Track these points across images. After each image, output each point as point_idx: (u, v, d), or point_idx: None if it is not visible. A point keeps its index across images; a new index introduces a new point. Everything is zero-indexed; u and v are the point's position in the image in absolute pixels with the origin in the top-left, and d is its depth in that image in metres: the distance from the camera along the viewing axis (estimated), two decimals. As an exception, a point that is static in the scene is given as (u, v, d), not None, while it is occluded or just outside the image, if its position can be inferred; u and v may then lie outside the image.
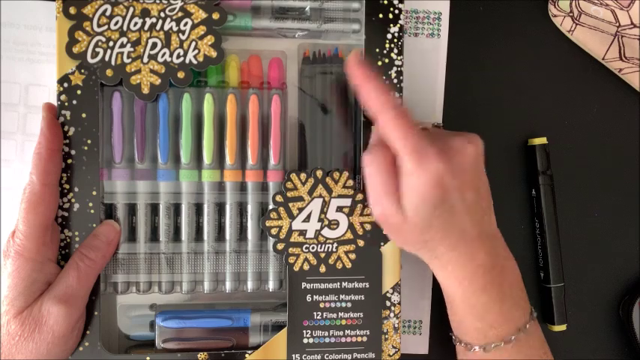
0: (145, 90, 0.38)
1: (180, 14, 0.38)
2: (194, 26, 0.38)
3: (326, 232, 0.39)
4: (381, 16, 0.40)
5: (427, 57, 0.44)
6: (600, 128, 0.47)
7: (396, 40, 0.40)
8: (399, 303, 0.40)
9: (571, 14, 0.44)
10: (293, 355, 0.39)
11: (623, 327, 0.47)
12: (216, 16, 0.38)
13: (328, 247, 0.39)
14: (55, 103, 0.38)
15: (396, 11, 0.40)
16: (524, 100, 0.47)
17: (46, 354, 0.35)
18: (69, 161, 0.37)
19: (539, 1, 0.46)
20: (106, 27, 0.37)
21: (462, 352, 0.39)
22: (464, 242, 0.36)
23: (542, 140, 0.46)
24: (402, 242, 0.38)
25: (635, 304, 0.47)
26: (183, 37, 0.38)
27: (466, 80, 0.45)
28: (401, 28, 0.40)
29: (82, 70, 0.37)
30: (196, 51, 0.38)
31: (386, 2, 0.39)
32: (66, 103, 0.37)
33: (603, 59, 0.46)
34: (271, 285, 0.41)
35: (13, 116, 0.42)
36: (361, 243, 0.40)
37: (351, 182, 0.39)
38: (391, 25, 0.40)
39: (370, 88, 0.36)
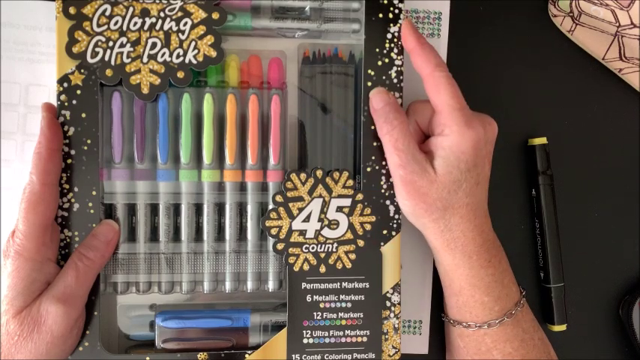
0: (145, 90, 0.38)
1: (179, 14, 0.38)
2: (194, 26, 0.38)
3: (326, 232, 0.39)
4: (381, 15, 0.40)
5: None
6: (600, 128, 0.47)
7: (396, 40, 0.40)
8: (399, 303, 0.40)
9: (571, 14, 0.44)
10: (293, 356, 0.39)
11: (623, 327, 0.47)
12: (215, 15, 0.38)
13: (328, 247, 0.39)
14: (54, 103, 0.38)
15: (396, 11, 0.40)
16: (524, 100, 0.46)
17: (45, 354, 0.35)
18: (69, 161, 0.37)
19: (539, 1, 0.46)
20: (105, 27, 0.37)
21: (460, 334, 0.40)
22: (479, 213, 0.38)
23: (542, 140, 0.46)
24: (423, 208, 0.37)
25: (635, 304, 0.47)
26: (182, 37, 0.38)
27: (466, 80, 0.45)
28: (401, 28, 0.40)
29: (82, 70, 0.37)
30: (196, 51, 0.38)
31: (386, 2, 0.39)
32: (66, 103, 0.37)
33: (603, 59, 0.46)
34: (271, 285, 0.41)
35: (13, 116, 0.42)
36: (361, 243, 0.40)
37: (351, 182, 0.39)
38: (391, 24, 0.40)
39: (424, 50, 0.38)
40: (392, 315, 0.40)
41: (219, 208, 0.40)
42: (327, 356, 0.40)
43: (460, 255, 0.38)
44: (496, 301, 0.39)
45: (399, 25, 0.40)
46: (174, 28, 0.38)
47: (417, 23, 0.44)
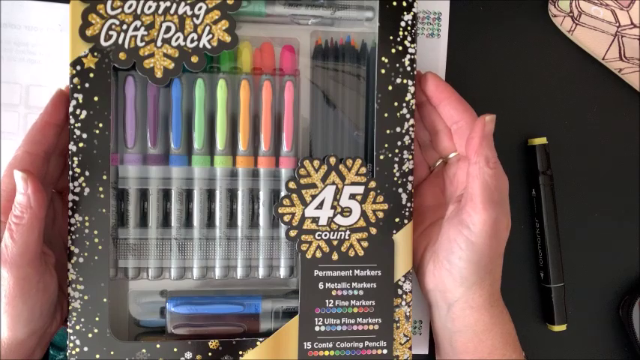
0: (159, 74, 0.37)
1: (194, -2, 0.37)
2: (208, 10, 0.38)
3: (339, 219, 0.39)
4: (394, 3, 0.40)
5: (427, 57, 0.44)
6: (600, 128, 0.48)
7: (409, 28, 0.40)
8: (411, 291, 0.40)
9: (571, 14, 0.44)
10: (304, 343, 0.39)
11: (623, 327, 0.48)
12: (230, 1, 0.38)
13: (341, 235, 0.39)
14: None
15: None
16: (524, 100, 0.47)
17: (9, 315, 0.34)
18: (80, 145, 0.37)
19: (539, 1, 0.46)
20: (119, 10, 0.37)
21: None
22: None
23: (542, 140, 0.46)
24: (494, 253, 0.38)
25: (635, 304, 0.47)
26: (197, 22, 0.38)
27: (466, 80, 0.45)
28: (414, 16, 0.40)
29: (95, 53, 0.37)
30: (210, 35, 0.38)
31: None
32: (78, 86, 0.37)
33: (603, 59, 0.46)
34: (282, 272, 0.40)
35: (13, 117, 0.42)
36: (374, 231, 0.40)
37: (363, 169, 0.39)
38: (405, 12, 0.40)
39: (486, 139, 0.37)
40: (404, 303, 0.40)
41: (232, 194, 0.40)
42: (338, 344, 0.39)
43: (498, 312, 0.39)
44: (520, 355, 0.39)
45: (412, 13, 0.40)
46: (189, 13, 0.37)
47: (417, 23, 0.44)
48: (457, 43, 0.45)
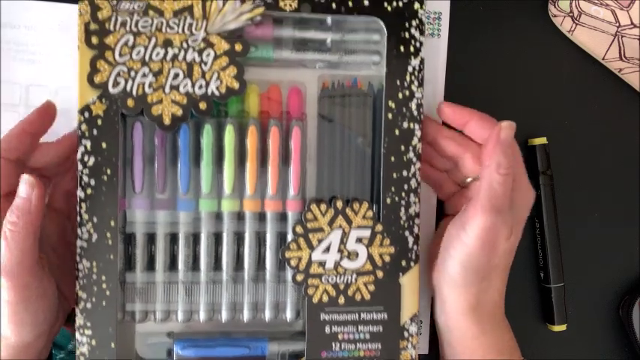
0: (167, 120, 0.38)
1: (202, 45, 0.38)
2: (216, 57, 0.38)
3: (345, 263, 0.39)
4: (402, 48, 0.40)
5: (427, 57, 0.44)
6: (600, 128, 0.48)
7: (416, 73, 0.40)
8: (417, 334, 0.40)
9: (571, 14, 0.44)
10: (311, 386, 0.39)
11: (623, 327, 0.48)
12: (238, 47, 0.38)
13: (347, 279, 0.40)
14: (56, 103, 0.38)
15: (417, 44, 0.40)
16: (524, 100, 0.47)
17: (13, 321, 0.35)
18: (88, 191, 0.37)
19: (539, 1, 0.46)
20: (128, 57, 0.37)
21: None
22: (505, 279, 0.40)
23: (542, 140, 0.46)
24: (487, 260, 0.37)
25: (635, 304, 0.47)
26: (205, 68, 0.38)
27: (466, 80, 0.45)
28: (422, 61, 0.40)
29: (103, 100, 0.37)
30: (219, 82, 0.38)
31: (407, 36, 0.40)
32: (86, 133, 0.37)
33: (603, 59, 0.46)
34: (289, 315, 0.41)
35: (13, 117, 0.41)
36: (380, 274, 0.40)
37: (370, 213, 0.40)
38: (412, 57, 0.40)
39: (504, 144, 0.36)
40: (409, 345, 0.40)
41: (239, 238, 0.40)
42: (344, 387, 0.40)
43: (485, 322, 0.39)
44: None
45: (419, 57, 0.40)
46: (197, 59, 0.38)
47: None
48: (457, 43, 0.45)
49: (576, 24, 0.45)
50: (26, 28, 0.41)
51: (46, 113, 0.37)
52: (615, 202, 0.48)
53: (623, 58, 0.45)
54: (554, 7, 0.45)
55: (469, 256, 0.37)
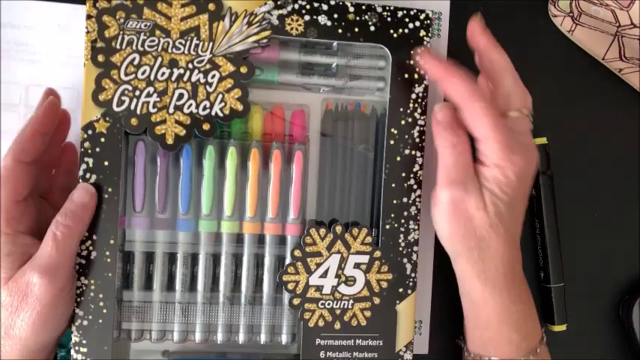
0: (170, 140, 0.38)
1: (208, 66, 0.38)
2: (222, 79, 0.38)
3: (342, 288, 0.39)
4: (406, 76, 0.40)
5: None
6: (600, 128, 0.47)
7: (420, 100, 0.40)
8: (412, 361, 0.40)
9: (571, 14, 0.44)
10: (304, 411, 0.39)
11: (623, 327, 0.47)
12: (244, 69, 0.38)
13: (344, 304, 0.39)
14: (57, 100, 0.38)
15: (422, 71, 0.40)
16: None
17: (37, 322, 0.35)
18: (89, 208, 0.37)
19: (539, 1, 0.46)
20: (133, 76, 0.37)
21: None
22: (512, 247, 0.38)
23: (542, 140, 0.46)
24: (461, 233, 0.37)
25: (635, 304, 0.47)
26: (210, 89, 0.38)
27: None
28: (426, 89, 0.40)
29: (107, 118, 0.37)
30: (223, 104, 0.38)
31: (412, 63, 0.40)
32: (89, 151, 0.37)
33: (603, 59, 0.46)
34: (284, 338, 0.41)
35: (13, 116, 0.42)
36: (377, 300, 0.40)
37: (369, 239, 0.40)
38: (416, 85, 0.40)
39: (455, 80, 0.37)
40: (404, 373, 0.40)
41: (237, 259, 0.40)
42: (338, 412, 0.40)
43: (491, 288, 0.38)
44: (524, 339, 0.38)
45: (424, 85, 0.40)
46: (202, 80, 0.38)
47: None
48: (457, 43, 0.45)
49: (576, 24, 0.45)
50: (26, 28, 0.41)
51: (52, 111, 0.37)
52: (615, 202, 0.48)
53: (623, 58, 0.45)
54: (554, 7, 0.45)
55: (443, 231, 0.38)
